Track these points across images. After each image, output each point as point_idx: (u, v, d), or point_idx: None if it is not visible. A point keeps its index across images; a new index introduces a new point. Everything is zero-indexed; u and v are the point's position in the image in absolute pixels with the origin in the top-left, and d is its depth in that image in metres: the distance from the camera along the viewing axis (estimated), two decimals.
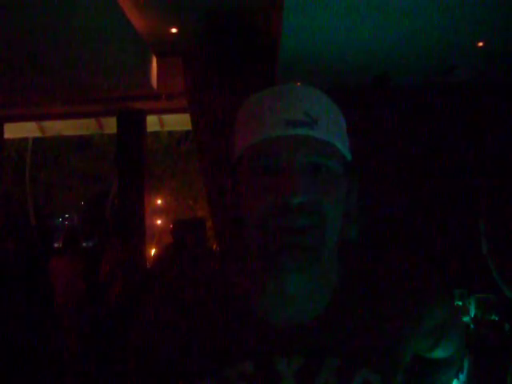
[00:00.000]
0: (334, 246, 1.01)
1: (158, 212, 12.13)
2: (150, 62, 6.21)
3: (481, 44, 4.99)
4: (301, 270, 0.97)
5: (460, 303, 3.68)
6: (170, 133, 13.68)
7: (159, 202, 12.59)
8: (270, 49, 5.45)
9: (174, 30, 5.62)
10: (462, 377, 2.63)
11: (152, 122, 7.96)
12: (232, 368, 1.01)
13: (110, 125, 8.37)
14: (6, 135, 8.36)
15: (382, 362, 1.05)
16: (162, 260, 5.47)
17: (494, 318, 3.25)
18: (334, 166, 0.99)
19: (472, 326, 3.29)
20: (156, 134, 12.87)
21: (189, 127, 9.59)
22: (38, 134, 9.78)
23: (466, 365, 2.62)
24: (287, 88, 1.04)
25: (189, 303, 1.07)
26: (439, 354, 1.29)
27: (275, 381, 1.01)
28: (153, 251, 7.86)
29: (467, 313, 3.52)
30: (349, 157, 1.04)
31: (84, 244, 6.26)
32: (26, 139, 13.52)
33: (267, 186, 0.96)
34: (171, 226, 6.58)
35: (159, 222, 11.55)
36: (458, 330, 1.32)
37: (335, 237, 1.00)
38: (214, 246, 6.09)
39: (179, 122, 8.84)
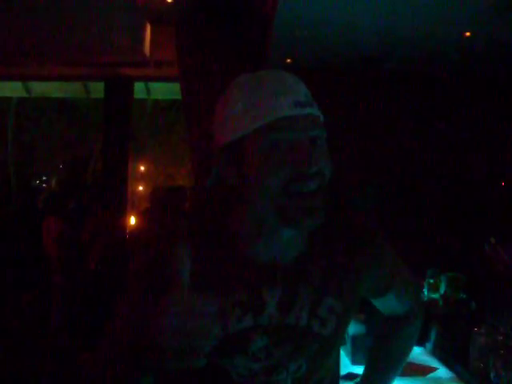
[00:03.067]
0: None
1: (140, 179, 12.19)
2: (144, 29, 6.23)
3: (468, 34, 5.09)
4: (312, 227, 1.20)
5: (432, 281, 3.82)
6: (156, 101, 13.65)
7: (142, 168, 12.64)
8: (264, 21, 5.48)
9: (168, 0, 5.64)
10: (429, 345, 2.79)
11: (138, 89, 7.96)
12: (228, 298, 1.22)
13: (97, 89, 8.37)
14: None
15: (341, 292, 1.31)
16: (143, 223, 5.57)
17: (462, 296, 3.40)
18: (324, 137, 1.21)
19: (441, 302, 3.44)
20: (142, 101, 12.83)
21: (175, 96, 9.64)
22: (22, 95, 9.73)
23: (432, 336, 2.77)
24: (283, 74, 1.22)
25: (187, 249, 1.14)
26: (394, 305, 1.55)
27: (261, 308, 1.25)
28: (132, 218, 7.91)
29: (437, 290, 3.67)
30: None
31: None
32: (9, 99, 13.42)
33: (285, 158, 1.14)
34: (150, 193, 6.67)
35: (141, 188, 11.59)
36: (407, 286, 1.56)
37: (325, 195, 1.19)
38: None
39: (166, 90, 8.86)
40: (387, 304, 1.55)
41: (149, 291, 1.20)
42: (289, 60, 5.97)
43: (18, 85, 8.76)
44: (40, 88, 9.00)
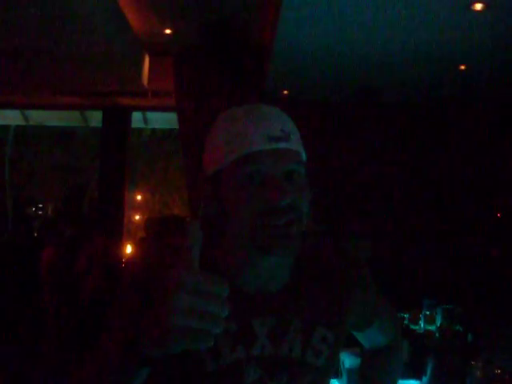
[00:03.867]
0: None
1: (137, 208, 12.19)
2: (142, 59, 6.28)
3: (463, 67, 5.14)
4: (288, 256, 1.22)
5: (428, 312, 3.80)
6: (153, 130, 13.73)
7: (139, 197, 12.65)
8: (262, 53, 5.55)
9: (168, 31, 5.70)
10: (425, 379, 2.77)
11: (136, 119, 8.01)
12: None
13: (94, 118, 8.42)
14: None
15: (332, 322, 1.32)
16: (138, 251, 5.55)
17: (459, 328, 3.39)
18: (302, 171, 1.22)
19: (437, 334, 3.43)
20: (139, 130, 12.91)
21: (172, 126, 9.69)
22: (21, 123, 9.77)
23: (428, 369, 2.76)
24: (262, 108, 1.24)
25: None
26: (377, 337, 1.58)
27: (253, 339, 1.25)
28: (128, 246, 7.90)
29: (434, 322, 3.66)
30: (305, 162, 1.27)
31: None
32: (7, 126, 13.47)
33: (257, 192, 1.16)
34: (144, 223, 6.66)
35: (137, 217, 11.59)
36: (389, 318, 1.60)
37: (304, 226, 1.21)
38: None
39: (163, 120, 8.92)
40: (369, 336, 1.57)
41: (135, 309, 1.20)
42: (286, 92, 6.01)
43: (17, 113, 8.81)
44: (38, 116, 9.04)
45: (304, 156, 1.26)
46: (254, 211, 1.16)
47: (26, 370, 5.45)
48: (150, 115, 8.53)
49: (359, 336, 1.59)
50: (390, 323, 1.60)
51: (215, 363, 1.22)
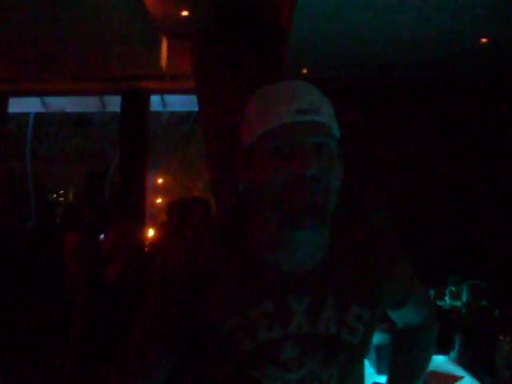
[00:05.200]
0: (333, 208, 1.25)
1: (158, 191, 12.22)
2: (160, 42, 6.28)
3: (484, 40, 5.07)
4: (314, 228, 1.21)
5: (453, 288, 3.81)
6: (172, 113, 13.73)
7: (160, 181, 12.69)
8: (280, 33, 5.51)
9: (184, 13, 5.68)
10: (453, 354, 2.77)
11: (154, 102, 8.03)
12: (255, 308, 1.24)
13: (113, 103, 8.44)
14: (9, 110, 8.41)
15: (367, 299, 1.33)
16: (167, 235, 5.56)
17: (485, 303, 3.38)
18: (332, 145, 1.24)
19: (464, 310, 3.42)
20: (157, 113, 12.92)
21: (190, 108, 9.68)
22: (40, 110, 9.84)
23: (456, 344, 2.76)
24: (293, 83, 1.28)
25: (212, 261, 1.28)
26: (411, 316, 1.59)
27: (289, 317, 1.26)
28: (150, 230, 7.94)
29: (460, 298, 3.66)
30: (338, 137, 1.29)
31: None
32: (27, 114, 13.54)
33: (285, 162, 1.19)
34: (166, 206, 6.68)
35: (159, 201, 11.62)
36: (423, 298, 1.62)
37: (335, 202, 1.24)
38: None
39: (182, 102, 8.92)
40: (404, 315, 1.58)
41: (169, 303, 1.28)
42: (305, 70, 5.98)
43: (36, 100, 8.86)
44: (57, 103, 9.10)
45: (336, 130, 1.28)
46: (280, 181, 1.19)
47: (52, 356, 5.52)
48: (169, 98, 8.54)
49: (393, 315, 1.60)
50: (424, 303, 1.60)
51: (252, 342, 1.24)
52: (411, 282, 1.50)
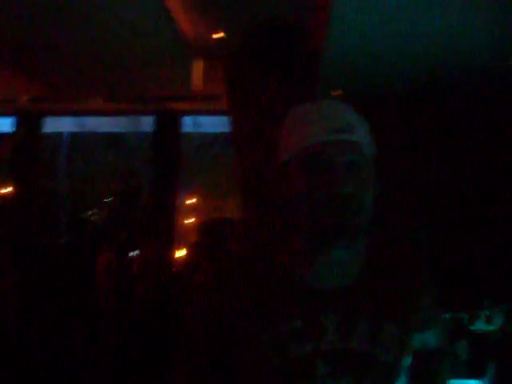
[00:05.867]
0: (365, 228, 1.27)
1: (188, 211, 12.27)
2: (193, 63, 6.34)
3: None
4: (346, 246, 1.24)
5: (488, 313, 3.76)
6: (203, 134, 13.80)
7: (190, 201, 12.73)
8: (313, 55, 5.54)
9: (218, 35, 5.74)
10: (487, 380, 2.72)
11: (186, 122, 8.08)
12: (285, 326, 1.26)
13: (146, 123, 8.52)
14: (44, 129, 8.52)
15: (401, 319, 1.35)
16: (191, 256, 5.58)
17: None
18: (366, 163, 1.28)
19: (498, 334, 3.37)
20: (189, 134, 12.98)
21: (222, 129, 9.72)
22: (74, 129, 9.97)
23: (490, 369, 2.71)
24: (329, 103, 1.34)
25: (242, 279, 1.31)
26: (431, 339, 1.54)
27: (321, 333, 1.28)
28: (180, 250, 7.95)
29: (494, 322, 3.60)
30: (373, 156, 1.32)
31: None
32: (60, 134, 13.72)
33: (321, 180, 1.23)
34: (198, 226, 6.70)
35: (190, 220, 11.66)
36: (441, 325, 1.59)
37: (368, 219, 1.26)
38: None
39: (213, 123, 8.97)
40: (424, 339, 1.54)
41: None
42: (336, 93, 6.00)
43: (71, 119, 8.98)
44: (90, 123, 9.21)
45: (370, 149, 1.32)
46: (316, 199, 1.22)
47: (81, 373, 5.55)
48: (201, 119, 8.59)
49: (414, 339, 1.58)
50: (442, 330, 1.59)
51: (282, 359, 1.26)
52: (435, 311, 1.51)
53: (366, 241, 1.34)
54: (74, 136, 14.16)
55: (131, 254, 6.44)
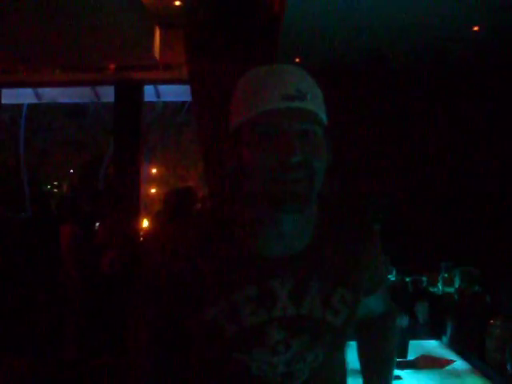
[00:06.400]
0: (316, 194, 1.26)
1: (152, 181, 12.23)
2: (153, 32, 6.28)
3: (476, 28, 5.09)
4: (297, 211, 1.22)
5: (446, 275, 3.84)
6: (165, 103, 13.72)
7: (154, 171, 12.69)
8: (273, 21, 5.52)
9: (177, 3, 5.68)
10: (445, 339, 2.81)
11: (148, 92, 8.02)
12: (240, 293, 1.26)
13: (106, 93, 8.43)
14: (2, 101, 8.39)
15: (350, 282, 1.35)
16: (159, 224, 5.59)
17: (477, 289, 3.41)
18: (318, 131, 1.23)
19: (456, 296, 3.46)
20: (151, 103, 12.90)
21: (184, 98, 9.67)
22: (33, 101, 9.82)
23: (448, 329, 2.80)
24: (281, 68, 1.26)
25: (196, 248, 1.29)
26: (376, 305, 1.60)
27: (274, 300, 1.28)
28: (144, 220, 7.95)
29: (452, 284, 3.69)
30: (325, 123, 1.28)
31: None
32: (20, 105, 13.52)
33: (270, 148, 1.18)
34: (164, 196, 6.70)
35: (153, 191, 11.62)
36: (387, 289, 1.64)
37: (319, 187, 1.24)
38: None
39: (175, 92, 8.92)
40: (371, 303, 1.57)
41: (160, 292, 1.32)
42: (297, 59, 6.00)
43: (29, 91, 8.85)
44: (50, 94, 9.08)
45: (323, 117, 1.27)
46: (265, 167, 1.19)
47: (49, 348, 5.56)
48: (162, 88, 8.53)
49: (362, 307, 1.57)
50: (387, 293, 1.63)
51: (237, 327, 1.27)
52: (381, 273, 1.54)
53: (316, 208, 1.34)
54: (32, 108, 13.95)
55: (95, 225, 6.41)
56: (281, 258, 1.29)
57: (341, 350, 1.45)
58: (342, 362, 1.49)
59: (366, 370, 1.63)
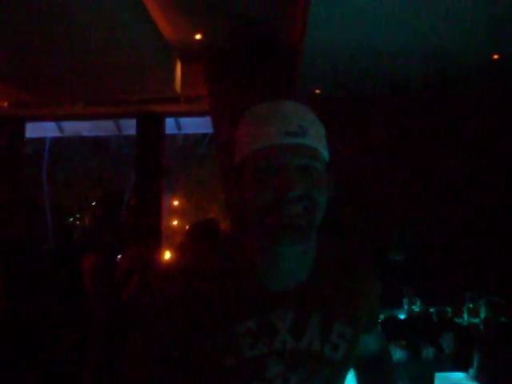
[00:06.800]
0: (316, 229, 1.30)
1: (174, 213, 12.27)
2: (174, 65, 6.34)
3: (496, 57, 5.07)
4: (294, 245, 1.25)
5: (471, 305, 3.79)
6: (186, 135, 13.80)
7: (176, 203, 12.74)
8: (291, 54, 5.56)
9: (198, 36, 5.74)
10: (472, 371, 2.75)
11: (169, 125, 8.08)
12: (240, 325, 1.29)
13: (128, 126, 8.51)
14: (26, 135, 8.48)
15: (350, 318, 1.37)
16: (181, 256, 5.57)
17: (503, 319, 3.36)
18: (319, 166, 1.27)
19: (482, 326, 3.41)
20: (172, 136, 12.98)
21: (205, 130, 9.72)
22: (56, 134, 9.93)
23: (475, 361, 2.74)
24: (283, 104, 1.31)
25: (200, 281, 1.33)
26: (374, 344, 1.62)
27: (273, 334, 1.30)
28: (167, 252, 7.95)
29: (477, 314, 3.64)
30: (327, 158, 1.32)
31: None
32: (43, 139, 13.67)
33: (269, 182, 1.23)
34: (187, 228, 6.71)
35: (175, 223, 11.65)
36: (378, 328, 1.66)
37: (320, 221, 1.28)
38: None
39: (196, 125, 8.97)
40: (367, 342, 1.58)
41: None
42: (318, 90, 6.01)
43: (52, 125, 8.95)
44: (73, 127, 9.18)
45: (324, 152, 1.31)
46: (264, 201, 1.23)
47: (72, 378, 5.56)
48: (184, 121, 8.59)
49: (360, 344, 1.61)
50: (381, 334, 1.67)
51: (235, 359, 1.29)
52: (378, 307, 1.55)
53: (316, 241, 1.37)
54: (55, 141, 14.12)
55: (117, 256, 6.43)
56: (282, 292, 1.32)
57: (340, 382, 1.45)
58: None
59: None
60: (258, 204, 1.24)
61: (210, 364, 1.30)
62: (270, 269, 1.32)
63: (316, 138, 1.28)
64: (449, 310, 3.96)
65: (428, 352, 2.52)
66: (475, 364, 2.74)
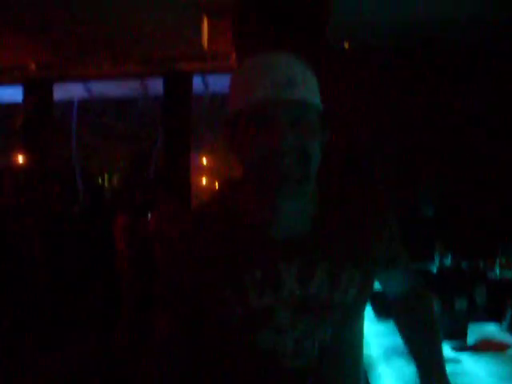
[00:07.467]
0: (314, 177, 1.31)
1: (202, 172, 12.30)
2: (200, 22, 6.26)
3: None
4: (293, 195, 1.28)
5: (503, 259, 3.77)
6: (213, 94, 13.73)
7: (204, 160, 12.78)
8: (320, 8, 5.47)
9: None
10: (505, 324, 2.75)
11: (196, 83, 8.04)
12: (247, 275, 1.31)
13: (155, 86, 8.49)
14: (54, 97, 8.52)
15: (360, 261, 1.37)
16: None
17: None
18: (311, 118, 1.28)
19: None
20: (200, 96, 12.92)
21: None
22: (83, 95, 9.95)
23: (508, 313, 2.74)
24: (275, 56, 1.31)
25: (210, 233, 1.37)
26: (399, 282, 1.61)
27: (280, 282, 1.32)
28: None
29: (510, 268, 3.62)
30: (321, 108, 1.32)
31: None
32: (71, 102, 13.69)
33: (262, 136, 1.25)
34: (217, 186, 6.73)
35: (204, 180, 11.68)
36: (409, 265, 1.62)
37: (316, 169, 1.30)
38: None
39: (223, 83, 8.92)
40: (393, 280, 1.59)
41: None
42: (346, 44, 5.93)
43: (79, 86, 8.96)
44: (99, 88, 9.19)
45: (316, 102, 1.31)
46: (258, 154, 1.25)
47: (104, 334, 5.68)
48: (210, 79, 8.55)
49: (382, 282, 1.61)
50: (410, 269, 1.62)
51: (244, 308, 1.32)
52: (399, 246, 1.53)
53: (317, 188, 1.38)
54: (82, 105, 14.15)
55: (148, 215, 6.48)
56: (287, 241, 1.34)
57: (354, 324, 1.45)
58: (356, 340, 1.49)
59: (414, 353, 1.60)
60: (253, 159, 1.26)
61: (221, 315, 1.34)
62: (272, 220, 1.34)
63: (307, 89, 1.28)
64: (481, 263, 3.94)
65: (462, 303, 2.51)
66: (508, 317, 2.73)
